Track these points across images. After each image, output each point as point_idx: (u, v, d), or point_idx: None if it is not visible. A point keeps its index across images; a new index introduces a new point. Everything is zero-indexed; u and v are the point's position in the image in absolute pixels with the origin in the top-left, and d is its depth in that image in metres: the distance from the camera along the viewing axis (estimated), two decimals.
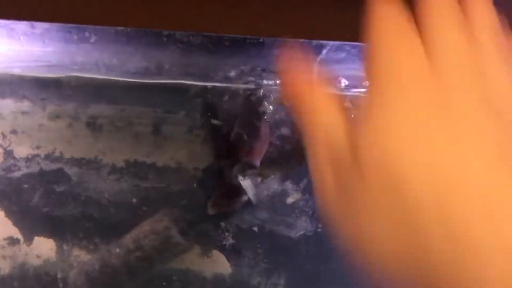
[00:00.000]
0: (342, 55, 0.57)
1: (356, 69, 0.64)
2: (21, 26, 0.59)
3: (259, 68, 0.65)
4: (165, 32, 0.57)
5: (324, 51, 0.56)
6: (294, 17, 0.55)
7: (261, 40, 0.57)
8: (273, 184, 0.96)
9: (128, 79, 0.73)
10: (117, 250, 0.95)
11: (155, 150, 0.96)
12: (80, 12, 0.56)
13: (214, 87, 0.70)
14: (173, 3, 0.55)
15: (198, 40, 0.58)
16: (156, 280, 0.97)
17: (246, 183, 0.94)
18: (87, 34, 0.59)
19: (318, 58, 0.58)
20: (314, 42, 0.55)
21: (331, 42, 0.56)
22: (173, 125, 0.94)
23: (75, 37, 0.60)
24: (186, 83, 0.71)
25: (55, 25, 0.58)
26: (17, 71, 0.83)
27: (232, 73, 0.65)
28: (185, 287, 0.98)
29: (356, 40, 0.55)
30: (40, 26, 0.59)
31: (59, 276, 0.97)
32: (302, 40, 0.55)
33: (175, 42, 0.59)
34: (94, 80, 0.79)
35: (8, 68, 0.83)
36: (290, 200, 0.98)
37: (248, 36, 0.54)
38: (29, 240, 0.99)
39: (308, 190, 0.96)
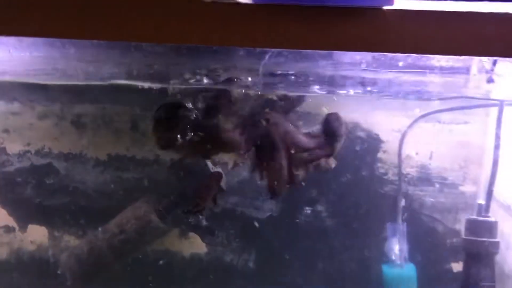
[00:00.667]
0: (281, 59, 0.68)
1: (291, 71, 0.76)
2: (11, 39, 0.69)
3: (215, 71, 0.76)
4: (133, 43, 0.68)
5: (266, 57, 0.67)
6: (241, 29, 0.66)
7: (214, 48, 0.68)
8: (242, 171, 1.06)
9: (104, 83, 0.84)
10: (103, 234, 1.04)
11: (134, 144, 1.06)
12: (60, 28, 0.66)
13: (174, 88, 0.81)
14: (138, 19, 0.66)
15: (160, 49, 0.68)
16: (139, 261, 1.07)
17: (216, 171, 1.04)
18: (67, 46, 0.69)
19: (262, 63, 0.69)
20: (258, 49, 0.66)
21: (272, 49, 0.67)
22: (149, 121, 1.03)
23: (57, 48, 0.70)
24: (153, 85, 0.82)
25: (39, 39, 0.68)
26: (7, 77, 0.93)
27: (188, 76, 0.76)
28: (166, 266, 1.08)
29: (293, 48, 0.65)
30: (27, 39, 0.69)
31: (51, 259, 1.07)
32: (248, 47, 0.66)
33: (141, 51, 0.69)
34: (76, 84, 0.90)
35: None
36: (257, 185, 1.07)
37: (201, 45, 0.65)
38: (23, 228, 1.09)
39: None
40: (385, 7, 0.65)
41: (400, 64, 0.80)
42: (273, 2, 0.64)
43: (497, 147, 0.94)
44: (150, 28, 0.68)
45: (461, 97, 0.96)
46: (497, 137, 0.95)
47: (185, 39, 0.67)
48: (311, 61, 0.71)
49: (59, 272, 1.02)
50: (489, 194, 0.94)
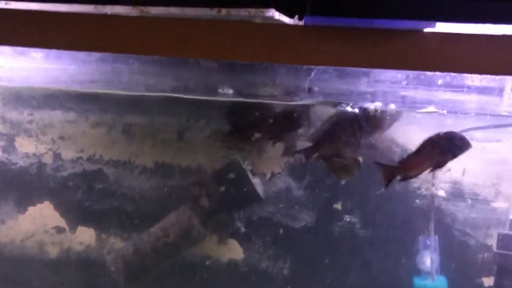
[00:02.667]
0: (326, 76, 0.73)
1: (334, 86, 0.81)
2: (80, 54, 0.76)
3: (266, 86, 0.82)
4: (191, 59, 0.74)
5: (312, 73, 0.72)
6: (292, 47, 0.71)
7: (264, 65, 0.74)
8: (279, 182, 1.11)
9: (158, 94, 0.90)
10: (148, 237, 1.10)
11: (179, 153, 1.12)
12: (126, 44, 0.73)
13: (225, 101, 0.87)
14: (196, 38, 0.72)
15: (215, 65, 0.74)
16: (180, 264, 1.12)
17: (255, 180, 1.10)
18: (131, 61, 0.76)
19: (308, 79, 0.74)
20: (305, 66, 0.71)
21: (318, 66, 0.72)
22: (194, 132, 1.09)
23: (122, 62, 0.77)
24: (205, 98, 0.88)
25: (106, 54, 0.75)
26: (76, 87, 1.00)
27: (243, 91, 0.82)
28: (205, 270, 1.13)
29: (339, 65, 0.71)
30: (95, 54, 0.76)
31: (98, 259, 1.13)
32: (296, 65, 0.71)
33: (198, 66, 0.75)
34: (128, 95, 0.96)
35: (58, 84, 1.00)
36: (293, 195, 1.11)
37: (254, 62, 0.70)
38: (73, 229, 1.16)
39: (310, 187, 1.10)
40: (425, 30, 0.70)
41: (440, 82, 0.83)
42: (322, 24, 0.69)
43: None
44: (207, 46, 0.74)
45: (494, 115, 0.99)
46: None
47: (239, 56, 0.73)
48: (354, 78, 0.76)
49: (112, 269, 1.06)
50: None
